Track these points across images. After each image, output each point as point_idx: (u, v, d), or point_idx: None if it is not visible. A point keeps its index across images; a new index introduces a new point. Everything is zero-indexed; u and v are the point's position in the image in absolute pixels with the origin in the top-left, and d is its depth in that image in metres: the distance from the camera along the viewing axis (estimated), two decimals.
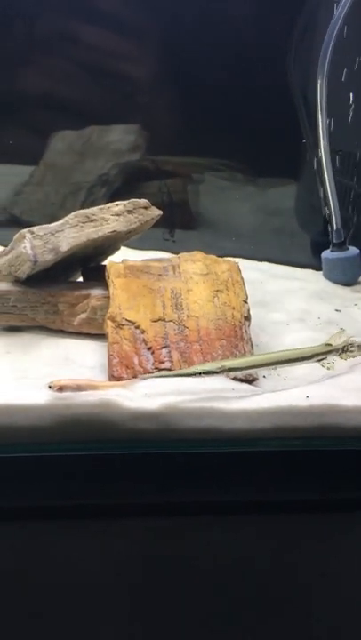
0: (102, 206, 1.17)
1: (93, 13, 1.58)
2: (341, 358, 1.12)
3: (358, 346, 1.12)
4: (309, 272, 1.56)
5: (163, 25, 1.58)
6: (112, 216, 1.16)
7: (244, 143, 1.64)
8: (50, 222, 1.59)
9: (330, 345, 1.11)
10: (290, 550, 1.01)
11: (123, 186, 1.68)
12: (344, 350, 1.12)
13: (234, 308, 1.13)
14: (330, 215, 1.47)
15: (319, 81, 1.34)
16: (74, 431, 0.96)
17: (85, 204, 1.66)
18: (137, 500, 0.99)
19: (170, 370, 1.04)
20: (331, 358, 1.10)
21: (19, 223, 1.64)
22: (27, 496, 0.96)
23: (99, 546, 0.99)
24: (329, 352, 1.10)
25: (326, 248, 1.54)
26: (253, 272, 1.35)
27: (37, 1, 1.59)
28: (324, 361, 1.09)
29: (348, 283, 1.48)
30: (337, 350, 1.11)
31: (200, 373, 0.99)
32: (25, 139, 1.66)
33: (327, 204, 1.46)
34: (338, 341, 1.11)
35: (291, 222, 1.69)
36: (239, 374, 1.05)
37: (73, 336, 1.19)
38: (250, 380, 1.07)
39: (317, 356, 1.09)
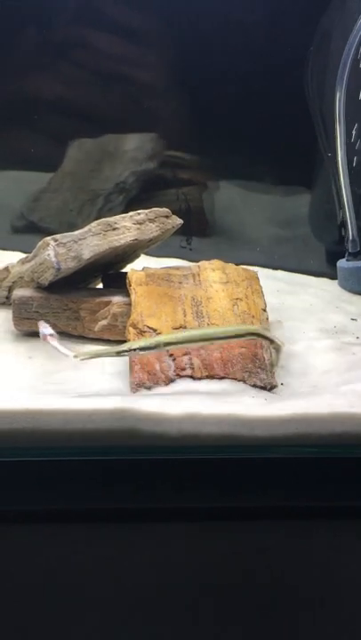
0: (124, 215, 1.19)
1: (114, 21, 1.60)
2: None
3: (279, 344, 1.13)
4: (325, 281, 1.57)
5: (182, 35, 1.60)
6: (134, 224, 1.18)
7: (259, 152, 1.66)
8: (67, 229, 1.61)
9: (265, 329, 1.13)
10: (311, 556, 1.02)
11: (139, 194, 1.69)
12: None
13: (253, 317, 1.15)
14: (346, 225, 1.49)
15: (338, 93, 1.36)
16: (95, 438, 0.97)
17: (102, 212, 1.68)
18: (153, 505, 1.00)
19: (191, 377, 1.06)
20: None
21: (37, 230, 1.66)
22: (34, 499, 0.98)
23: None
24: (258, 336, 1.10)
25: (341, 257, 1.55)
26: (269, 280, 1.36)
27: (55, 9, 1.60)
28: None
29: None
30: (259, 335, 1.11)
31: (136, 349, 1.01)
32: (43, 146, 1.68)
33: (343, 214, 1.48)
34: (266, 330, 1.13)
35: (306, 231, 1.70)
36: (258, 382, 1.07)
37: (94, 342, 1.21)
38: (269, 388, 1.09)
39: (249, 335, 1.09)
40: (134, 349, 1.01)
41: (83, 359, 1.01)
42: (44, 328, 1.08)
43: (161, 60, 1.65)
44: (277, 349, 1.16)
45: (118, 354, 1.02)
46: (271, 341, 1.14)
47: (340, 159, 1.42)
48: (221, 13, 1.60)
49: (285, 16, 1.58)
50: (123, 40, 1.62)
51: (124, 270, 1.31)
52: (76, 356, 1.01)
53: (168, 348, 1.04)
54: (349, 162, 1.48)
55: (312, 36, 1.55)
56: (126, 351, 1.02)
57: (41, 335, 1.09)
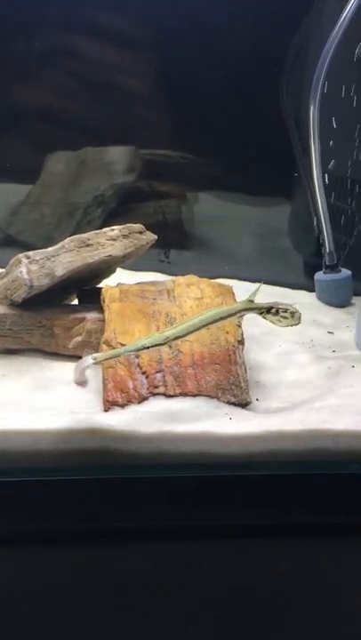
0: (98, 231, 1.18)
1: (92, 31, 1.59)
2: (268, 320, 1.11)
3: (291, 312, 1.11)
4: (302, 293, 1.57)
5: (163, 46, 1.59)
6: (107, 240, 1.18)
7: (238, 163, 1.66)
8: (45, 242, 1.60)
9: (252, 302, 1.11)
10: (285, 576, 1.01)
11: (118, 206, 1.69)
12: (270, 311, 1.11)
13: (228, 333, 1.15)
14: (323, 238, 1.49)
15: (311, 107, 1.36)
16: (64, 459, 0.97)
17: (81, 225, 1.68)
18: (131, 524, 1.00)
19: (164, 394, 1.06)
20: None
21: (14, 243, 1.65)
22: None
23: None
24: (252, 309, 1.10)
25: (319, 269, 1.55)
26: (246, 294, 1.35)
27: (33, 17, 1.59)
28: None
29: (341, 304, 1.50)
30: (260, 309, 1.11)
31: (148, 347, 1.01)
32: (21, 157, 1.67)
33: (320, 227, 1.48)
34: (256, 297, 1.11)
35: (285, 243, 1.70)
36: (232, 398, 1.07)
37: (68, 359, 1.20)
38: (243, 404, 1.09)
39: (241, 312, 1.10)
40: (147, 347, 1.02)
41: (99, 361, 1.01)
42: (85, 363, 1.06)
43: (141, 71, 1.65)
44: (291, 315, 1.11)
45: (133, 351, 1.02)
46: (275, 310, 1.10)
47: (315, 175, 1.42)
48: (204, 25, 1.60)
49: (270, 26, 1.58)
50: (105, 49, 1.62)
51: (100, 285, 1.31)
52: (95, 359, 1.01)
53: (175, 341, 1.04)
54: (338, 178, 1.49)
55: (289, 48, 1.55)
56: (140, 349, 1.02)
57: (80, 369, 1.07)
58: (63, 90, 1.64)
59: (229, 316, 1.10)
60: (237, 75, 1.62)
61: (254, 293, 1.13)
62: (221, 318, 1.09)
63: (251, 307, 1.13)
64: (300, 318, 1.12)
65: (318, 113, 1.36)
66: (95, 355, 1.02)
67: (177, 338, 1.04)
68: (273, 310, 1.12)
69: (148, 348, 1.02)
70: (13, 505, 0.96)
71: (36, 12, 1.59)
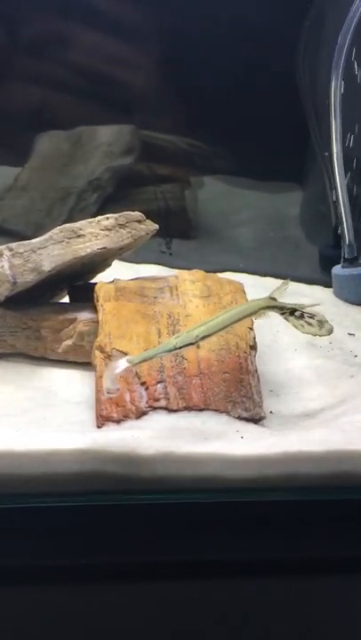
0: (91, 220, 1.05)
1: (86, 14, 1.49)
2: (290, 323, 1.01)
3: (319, 321, 1.00)
4: (318, 289, 1.45)
5: (162, 24, 1.50)
6: (102, 231, 1.04)
7: (246, 145, 1.55)
8: (35, 231, 1.47)
9: (274, 299, 1.01)
10: (299, 615, 0.89)
11: (115, 191, 1.57)
12: (294, 314, 1.01)
13: (238, 337, 1.01)
14: (342, 228, 1.36)
15: (333, 82, 1.22)
16: (50, 484, 0.85)
17: (74, 211, 1.55)
18: (123, 559, 0.87)
19: (166, 408, 0.92)
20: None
21: (0, 232, 1.52)
22: None
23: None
24: (274, 308, 1.00)
25: (336, 262, 1.43)
26: (256, 290, 1.22)
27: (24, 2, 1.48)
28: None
29: None
30: (283, 309, 1.00)
31: (181, 347, 0.90)
32: (9, 138, 1.55)
33: (339, 215, 1.35)
34: (281, 295, 1.02)
35: (297, 232, 1.58)
36: (243, 413, 0.94)
37: (57, 364, 1.09)
38: (256, 420, 0.96)
39: (263, 309, 1.00)
40: (179, 347, 0.90)
41: (136, 364, 0.88)
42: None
43: (144, 53, 1.53)
44: (319, 324, 1.00)
45: (169, 351, 0.90)
46: (300, 313, 0.99)
47: (335, 156, 1.28)
48: (207, 6, 1.47)
49: (276, 7, 1.45)
50: (97, 31, 1.50)
51: (93, 281, 1.17)
52: (130, 361, 0.88)
53: (204, 340, 0.93)
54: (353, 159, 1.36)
55: (303, 25, 1.42)
56: (173, 350, 0.90)
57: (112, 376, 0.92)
58: (55, 70, 1.51)
59: (250, 314, 0.99)
60: (246, 51, 1.50)
61: (279, 290, 1.02)
62: (244, 317, 0.98)
63: (273, 305, 1.00)
64: (330, 331, 0.99)
65: (341, 88, 1.21)
66: (129, 357, 0.88)
67: (205, 337, 0.92)
68: (297, 313, 1.00)
69: (181, 348, 0.91)
70: None
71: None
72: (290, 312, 1.00)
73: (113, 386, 0.90)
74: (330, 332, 0.99)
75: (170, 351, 0.90)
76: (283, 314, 1.01)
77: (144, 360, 0.89)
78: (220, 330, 0.94)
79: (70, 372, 1.06)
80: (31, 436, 0.88)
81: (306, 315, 0.99)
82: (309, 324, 0.99)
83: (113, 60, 1.53)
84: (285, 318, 1.01)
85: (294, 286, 1.47)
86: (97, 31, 1.51)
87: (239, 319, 0.97)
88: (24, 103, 1.55)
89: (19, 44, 1.53)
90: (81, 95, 1.53)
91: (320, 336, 1.00)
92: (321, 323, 0.99)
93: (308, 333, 1.00)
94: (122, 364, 0.88)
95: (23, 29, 1.51)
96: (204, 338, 0.92)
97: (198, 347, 0.94)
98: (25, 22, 1.50)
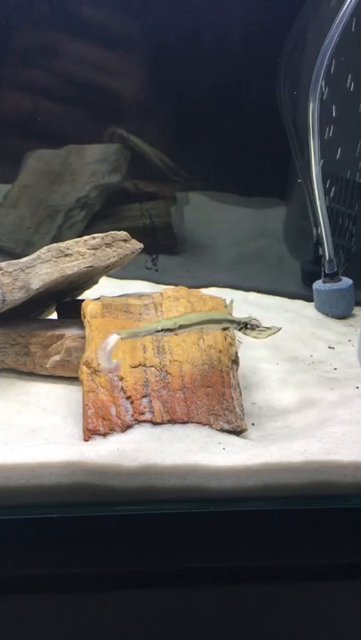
0: (78, 239, 1.08)
1: (76, 26, 1.50)
2: (248, 336, 1.10)
3: (266, 327, 1.11)
4: (300, 303, 1.48)
5: (150, 40, 1.51)
6: (88, 250, 1.07)
7: (231, 163, 1.58)
8: (24, 248, 1.49)
9: (230, 314, 1.11)
10: (281, 624, 0.92)
11: (103, 209, 1.59)
12: (244, 326, 1.09)
13: (221, 352, 1.05)
14: (322, 244, 1.39)
15: (311, 104, 1.26)
16: (37, 496, 0.87)
17: (63, 229, 1.58)
18: (110, 569, 0.89)
19: (151, 422, 0.95)
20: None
21: None
22: None
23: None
24: (231, 322, 1.08)
25: (317, 277, 1.45)
26: (240, 305, 1.26)
27: (14, 14, 1.50)
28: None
29: (342, 316, 1.40)
30: (238, 323, 1.09)
31: (161, 331, 0.97)
32: None
33: (319, 232, 1.38)
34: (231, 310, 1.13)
35: (280, 248, 1.61)
36: (225, 425, 0.97)
37: (45, 379, 1.10)
38: (238, 432, 0.99)
39: (223, 322, 1.07)
40: (160, 330, 0.96)
41: (124, 338, 0.92)
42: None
43: (130, 69, 1.56)
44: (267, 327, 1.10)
45: (153, 332, 0.97)
46: (251, 326, 1.09)
47: (314, 174, 1.32)
48: (193, 22, 1.51)
49: (261, 26, 1.49)
50: (87, 45, 1.52)
51: (81, 297, 1.20)
52: (119, 334, 0.92)
53: (183, 330, 1.00)
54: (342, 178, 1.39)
55: (285, 46, 1.46)
56: (157, 332, 0.96)
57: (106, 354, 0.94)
58: (44, 87, 1.54)
59: (219, 319, 1.06)
60: (231, 69, 1.53)
61: (230, 308, 1.13)
62: (214, 319, 1.05)
63: (229, 319, 1.08)
64: (279, 329, 1.11)
65: (318, 110, 1.25)
66: (118, 331, 0.92)
67: (182, 326, 0.99)
68: (249, 326, 1.09)
69: (162, 331, 0.97)
70: None
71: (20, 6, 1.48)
72: (244, 325, 1.09)
73: (110, 364, 0.91)
74: (279, 329, 1.11)
75: (154, 331, 0.96)
76: (240, 329, 1.09)
77: (131, 335, 0.94)
78: (195, 324, 1.00)
79: (58, 387, 1.08)
80: (20, 449, 0.90)
81: (255, 325, 1.09)
82: (261, 330, 1.09)
83: (100, 75, 1.55)
84: (243, 333, 1.09)
85: (278, 301, 1.51)
86: (86, 41, 1.53)
87: (211, 320, 1.04)
88: (12, 118, 1.57)
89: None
90: (67, 109, 1.55)
91: (275, 332, 1.10)
92: (270, 327, 1.10)
93: (267, 337, 1.10)
94: (112, 340, 0.91)
95: (11, 40, 1.52)
96: (181, 327, 0.98)
97: (177, 334, 1.00)
98: (13, 33, 1.51)
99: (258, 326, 1.10)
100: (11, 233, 1.56)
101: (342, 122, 1.34)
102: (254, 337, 1.09)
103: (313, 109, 1.26)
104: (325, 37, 1.31)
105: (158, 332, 0.96)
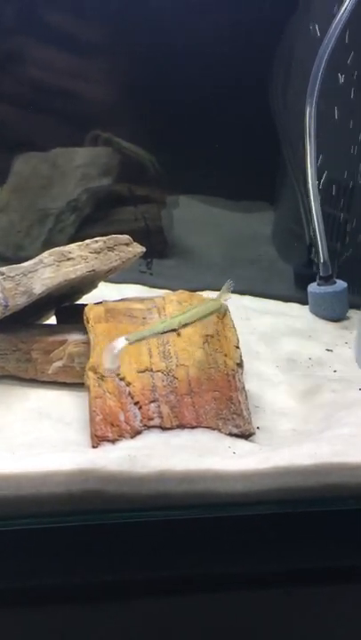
0: (80, 243, 1.06)
1: (46, 32, 1.49)
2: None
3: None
4: (294, 306, 1.48)
5: (138, 42, 1.50)
6: (91, 254, 1.06)
7: (222, 165, 1.57)
8: (14, 252, 1.46)
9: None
10: (303, 627, 0.91)
11: (93, 212, 1.58)
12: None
13: (226, 355, 1.04)
14: (316, 247, 1.40)
15: (308, 108, 1.27)
16: (47, 504, 0.85)
17: (53, 233, 1.56)
18: (122, 577, 0.88)
19: (160, 427, 0.94)
20: None
21: None
22: None
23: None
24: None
25: (311, 280, 1.46)
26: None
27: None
28: None
29: (337, 318, 1.41)
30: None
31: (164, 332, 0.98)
32: None
33: (314, 235, 1.39)
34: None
35: (272, 251, 1.61)
36: (233, 429, 0.97)
37: (47, 386, 1.09)
38: (247, 435, 0.98)
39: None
40: (167, 332, 0.98)
41: (133, 342, 0.93)
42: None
43: (115, 72, 1.55)
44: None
45: (159, 333, 0.98)
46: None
47: (310, 178, 1.33)
48: (175, 22, 1.50)
49: (250, 26, 1.49)
50: (71, 51, 1.51)
51: (80, 302, 1.18)
52: (128, 339, 0.93)
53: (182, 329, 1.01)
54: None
55: (279, 50, 1.46)
56: (162, 333, 0.98)
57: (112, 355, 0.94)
58: (32, 83, 1.51)
59: (215, 310, 1.08)
60: (220, 73, 1.53)
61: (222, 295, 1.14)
62: (211, 312, 1.07)
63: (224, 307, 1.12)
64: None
65: (315, 114, 1.26)
66: (127, 335, 0.93)
67: (185, 325, 1.01)
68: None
69: (165, 332, 0.98)
70: None
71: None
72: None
73: (113, 365, 0.92)
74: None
75: (159, 333, 0.97)
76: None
77: (139, 339, 0.94)
78: (195, 320, 1.02)
79: (61, 393, 1.06)
80: (28, 457, 0.88)
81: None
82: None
83: (76, 79, 1.54)
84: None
85: (272, 305, 1.51)
86: (54, 47, 1.51)
87: (210, 313, 1.06)
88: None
89: None
90: (57, 114, 1.54)
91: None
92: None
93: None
94: (120, 343, 0.91)
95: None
96: (185, 325, 1.00)
97: (179, 334, 1.01)
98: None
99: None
100: (1, 237, 1.53)
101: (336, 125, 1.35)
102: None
103: (310, 114, 1.26)
104: (321, 42, 1.31)
105: (164, 332, 0.97)
